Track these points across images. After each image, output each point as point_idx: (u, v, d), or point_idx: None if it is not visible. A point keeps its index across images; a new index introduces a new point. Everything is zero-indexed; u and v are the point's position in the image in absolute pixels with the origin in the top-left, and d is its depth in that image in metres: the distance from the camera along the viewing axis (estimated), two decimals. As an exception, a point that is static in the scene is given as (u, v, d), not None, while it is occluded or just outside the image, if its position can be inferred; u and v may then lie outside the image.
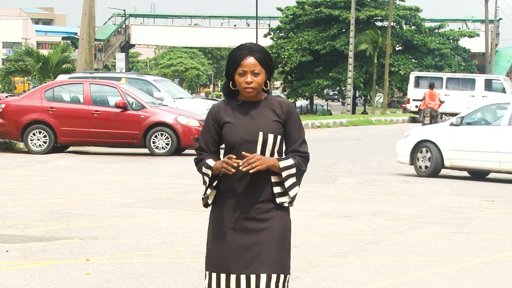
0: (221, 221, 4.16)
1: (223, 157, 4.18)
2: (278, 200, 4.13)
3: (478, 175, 16.62)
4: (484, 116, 16.49)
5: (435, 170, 16.38)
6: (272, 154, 4.14)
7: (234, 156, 4.04)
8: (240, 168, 4.01)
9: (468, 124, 16.30)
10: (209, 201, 4.22)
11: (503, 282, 7.33)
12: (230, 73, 4.15)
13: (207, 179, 4.17)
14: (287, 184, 4.11)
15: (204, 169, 4.18)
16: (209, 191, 4.17)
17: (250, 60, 4.09)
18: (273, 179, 4.13)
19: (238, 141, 4.11)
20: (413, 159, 16.63)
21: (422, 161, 16.49)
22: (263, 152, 4.11)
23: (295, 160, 4.13)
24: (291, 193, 4.14)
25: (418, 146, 16.56)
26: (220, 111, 4.19)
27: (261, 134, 4.10)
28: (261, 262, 4.06)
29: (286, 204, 4.15)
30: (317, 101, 73.72)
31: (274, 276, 4.07)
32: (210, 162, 4.16)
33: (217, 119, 4.18)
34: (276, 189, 4.13)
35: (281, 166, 4.09)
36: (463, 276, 7.53)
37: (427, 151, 16.41)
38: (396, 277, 7.39)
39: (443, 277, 7.46)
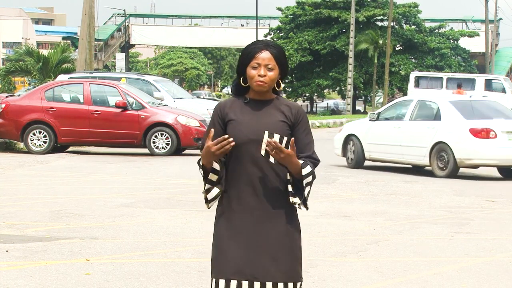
0: (227, 225, 3.93)
1: (226, 158, 3.95)
2: (292, 199, 3.89)
3: (416, 167, 17.75)
4: (394, 112, 18.12)
5: (358, 161, 17.95)
6: None
7: (226, 136, 3.80)
8: (266, 145, 3.80)
9: (383, 119, 18.01)
10: (208, 197, 3.95)
11: (503, 282, 7.33)
12: (242, 68, 3.95)
13: (202, 172, 3.94)
14: (306, 191, 3.91)
15: (199, 168, 3.97)
16: (207, 186, 3.95)
17: (265, 54, 3.91)
18: (288, 176, 3.90)
19: (242, 140, 3.88)
20: (345, 152, 18.29)
21: (349, 153, 18.16)
22: (267, 153, 3.88)
23: (312, 167, 3.91)
24: (308, 201, 3.95)
25: (348, 140, 18.22)
26: (226, 108, 3.99)
27: (266, 133, 3.88)
28: (273, 269, 3.84)
29: (296, 206, 3.92)
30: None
31: (281, 286, 3.84)
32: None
33: (222, 116, 3.98)
34: (290, 188, 3.91)
35: (303, 174, 3.87)
36: (463, 276, 7.53)
37: (352, 144, 18.06)
38: (396, 277, 7.39)
39: (443, 277, 7.45)
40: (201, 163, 3.94)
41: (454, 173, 16.18)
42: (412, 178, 16.02)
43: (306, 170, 3.88)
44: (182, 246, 8.51)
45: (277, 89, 3.99)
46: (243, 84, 3.98)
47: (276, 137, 3.89)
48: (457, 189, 14.33)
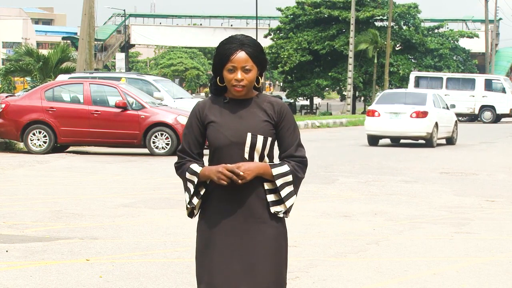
0: (210, 233, 3.82)
1: (208, 162, 3.83)
2: (273, 209, 3.75)
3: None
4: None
5: None
6: (261, 158, 3.75)
7: (230, 167, 3.67)
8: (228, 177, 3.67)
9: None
10: (195, 211, 3.90)
11: (503, 282, 7.32)
12: (218, 68, 3.75)
13: (191, 186, 3.80)
14: (283, 193, 3.75)
15: (188, 175, 3.79)
16: (196, 200, 3.82)
17: (241, 55, 3.69)
18: (267, 186, 3.75)
19: (223, 142, 3.72)
20: None
21: None
22: (251, 156, 3.72)
23: (290, 166, 3.75)
24: (288, 203, 3.78)
25: None
26: (205, 109, 3.79)
27: (249, 135, 3.70)
28: (256, 277, 3.72)
29: (281, 215, 3.77)
30: None
31: None
32: (195, 167, 3.78)
33: (201, 118, 3.79)
34: (270, 197, 3.76)
35: (274, 174, 3.72)
36: (463, 276, 7.53)
37: None
38: (396, 277, 7.39)
39: (443, 277, 7.45)
40: (193, 177, 3.79)
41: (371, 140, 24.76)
42: (412, 178, 16.01)
43: (278, 170, 3.75)
44: (182, 246, 8.51)
45: (257, 85, 3.80)
46: (220, 84, 3.80)
47: (260, 139, 3.72)
48: (457, 189, 14.32)
